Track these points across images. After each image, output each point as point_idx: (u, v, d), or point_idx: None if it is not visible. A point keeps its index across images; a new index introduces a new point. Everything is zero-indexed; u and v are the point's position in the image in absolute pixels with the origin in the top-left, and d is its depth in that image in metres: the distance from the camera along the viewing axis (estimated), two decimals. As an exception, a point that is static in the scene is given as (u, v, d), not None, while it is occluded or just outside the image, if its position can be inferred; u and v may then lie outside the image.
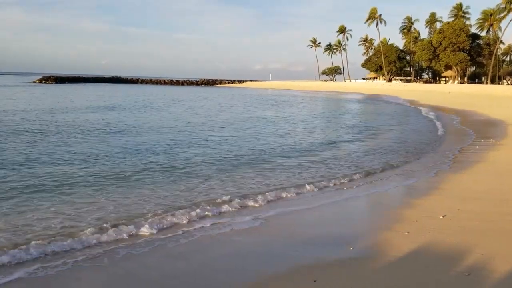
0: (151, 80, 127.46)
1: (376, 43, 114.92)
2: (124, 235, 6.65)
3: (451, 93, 57.46)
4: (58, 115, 25.59)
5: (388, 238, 6.52)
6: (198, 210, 7.78)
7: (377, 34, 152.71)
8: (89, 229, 6.75)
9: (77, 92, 61.47)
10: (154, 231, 6.85)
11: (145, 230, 6.85)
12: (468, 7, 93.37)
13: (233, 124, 24.28)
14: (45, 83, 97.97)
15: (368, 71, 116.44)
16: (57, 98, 44.57)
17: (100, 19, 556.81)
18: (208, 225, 7.21)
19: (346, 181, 10.55)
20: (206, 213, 7.76)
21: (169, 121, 24.83)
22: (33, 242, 6.17)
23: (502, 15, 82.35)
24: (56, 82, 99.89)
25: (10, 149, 13.99)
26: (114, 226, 6.96)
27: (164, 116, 28.10)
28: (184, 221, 7.32)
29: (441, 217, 7.47)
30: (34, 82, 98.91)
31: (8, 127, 19.50)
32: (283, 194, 9.23)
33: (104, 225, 7.02)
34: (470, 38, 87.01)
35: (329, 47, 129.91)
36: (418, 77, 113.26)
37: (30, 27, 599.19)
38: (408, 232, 6.71)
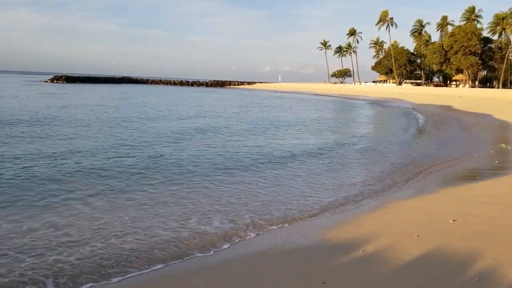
0: (160, 80, 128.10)
1: (386, 46, 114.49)
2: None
3: (462, 97, 57.00)
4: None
5: (398, 241, 6.51)
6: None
7: (388, 37, 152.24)
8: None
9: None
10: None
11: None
12: (480, 10, 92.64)
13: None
14: (56, 82, 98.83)
15: (378, 74, 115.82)
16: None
17: (110, 20, 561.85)
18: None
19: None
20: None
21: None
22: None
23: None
24: (67, 82, 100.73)
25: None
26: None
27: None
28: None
29: (451, 221, 7.44)
30: (46, 81, 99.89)
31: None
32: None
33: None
34: (481, 42, 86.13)
35: (339, 50, 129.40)
36: (428, 80, 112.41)
37: (41, 28, 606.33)
38: (418, 236, 6.69)
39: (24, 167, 11.32)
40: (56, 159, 12.51)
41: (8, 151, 13.49)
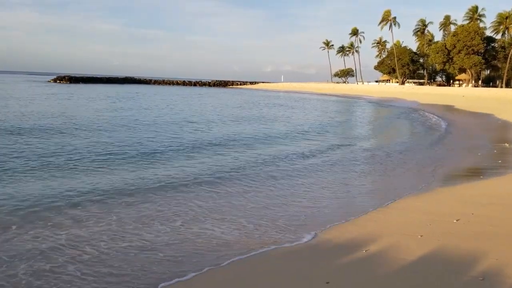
0: (163, 81, 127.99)
1: (389, 46, 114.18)
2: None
3: (465, 96, 56.86)
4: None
5: (401, 241, 6.49)
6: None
7: (391, 36, 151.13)
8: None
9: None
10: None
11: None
12: (483, 9, 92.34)
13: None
14: (59, 82, 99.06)
15: (381, 73, 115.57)
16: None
17: (110, 20, 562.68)
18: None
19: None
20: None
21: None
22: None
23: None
24: (70, 82, 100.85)
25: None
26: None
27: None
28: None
29: (454, 221, 7.41)
30: (49, 81, 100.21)
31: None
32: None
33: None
34: (484, 41, 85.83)
35: (342, 49, 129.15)
36: (431, 80, 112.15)
37: (41, 28, 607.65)
38: (421, 236, 6.67)
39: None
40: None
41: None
